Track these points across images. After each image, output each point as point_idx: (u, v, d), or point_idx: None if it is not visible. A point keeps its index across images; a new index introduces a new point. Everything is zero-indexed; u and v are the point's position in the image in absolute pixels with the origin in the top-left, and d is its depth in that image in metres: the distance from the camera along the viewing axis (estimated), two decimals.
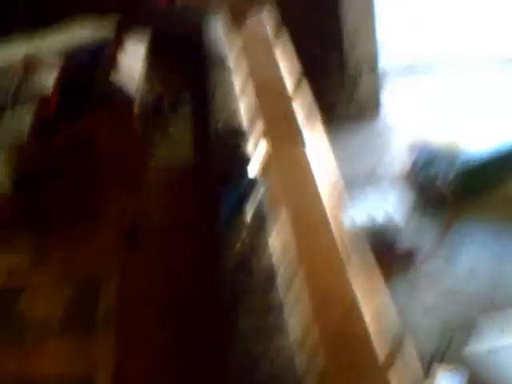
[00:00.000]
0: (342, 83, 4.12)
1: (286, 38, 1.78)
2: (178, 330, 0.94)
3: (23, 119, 1.43)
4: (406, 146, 3.71)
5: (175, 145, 1.44)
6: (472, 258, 2.97)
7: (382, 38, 4.12)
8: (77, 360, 0.94)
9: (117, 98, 1.42)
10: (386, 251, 3.06)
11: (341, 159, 3.65)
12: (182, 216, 1.19)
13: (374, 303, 0.93)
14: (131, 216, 1.23)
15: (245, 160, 1.06)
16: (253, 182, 1.01)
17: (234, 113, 1.22)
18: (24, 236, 1.21)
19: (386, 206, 3.16)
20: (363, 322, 0.89)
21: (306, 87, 1.50)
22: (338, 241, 1.04)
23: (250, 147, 1.11)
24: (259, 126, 1.26)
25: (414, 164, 3.59)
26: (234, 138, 1.11)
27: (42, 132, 1.43)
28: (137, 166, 1.37)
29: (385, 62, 4.24)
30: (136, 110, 1.43)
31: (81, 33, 1.64)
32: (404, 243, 3.11)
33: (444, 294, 2.83)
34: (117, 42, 1.58)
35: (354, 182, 3.62)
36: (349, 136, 4.04)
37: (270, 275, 0.79)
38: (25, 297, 1.06)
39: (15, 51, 1.61)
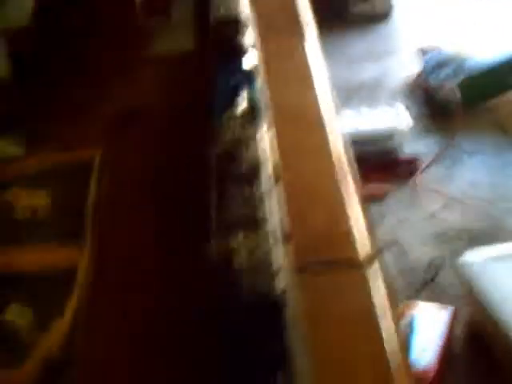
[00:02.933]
0: None
1: None
2: (163, 219, 0.93)
3: (25, 2, 1.40)
4: (414, 50, 3.68)
5: (177, 31, 1.41)
6: (473, 170, 2.98)
7: None
8: (62, 252, 0.93)
9: None
10: (391, 157, 3.07)
11: (349, 61, 3.63)
12: (179, 102, 1.18)
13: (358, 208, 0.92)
14: (127, 100, 1.22)
15: (241, 50, 1.03)
16: (247, 74, 0.98)
17: (235, 3, 1.19)
18: (18, 125, 1.19)
19: (392, 111, 3.15)
20: (347, 222, 0.88)
21: None
22: (330, 142, 1.02)
23: (247, 38, 1.07)
24: (258, 17, 1.24)
25: (423, 68, 3.57)
26: (232, 28, 1.08)
27: (44, 11, 1.40)
28: (136, 51, 1.35)
29: None
30: None
31: None
32: (409, 149, 3.11)
33: (446, 201, 2.85)
34: None
35: (361, 86, 3.60)
36: (359, 38, 4.00)
37: (256, 168, 0.77)
38: (13, 188, 1.05)
39: None
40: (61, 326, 0.80)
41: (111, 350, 0.80)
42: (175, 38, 1.38)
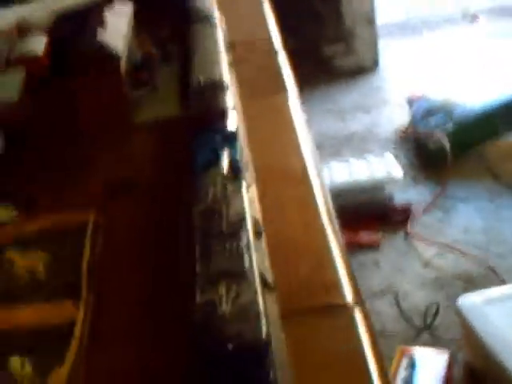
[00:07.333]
0: (339, 37, 4.15)
1: None
2: (153, 276, 0.98)
3: (15, 80, 1.46)
4: (403, 100, 3.73)
5: (162, 99, 1.47)
6: (466, 216, 3.02)
7: None
8: (59, 309, 0.98)
9: (103, 56, 1.45)
10: (384, 206, 3.11)
11: (338, 113, 3.72)
12: (166, 167, 1.23)
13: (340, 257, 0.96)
14: (117, 169, 1.27)
15: (222, 112, 1.09)
16: (229, 134, 1.03)
17: (216, 68, 1.24)
18: (13, 190, 1.24)
19: (383, 160, 3.20)
20: (330, 270, 0.92)
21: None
22: (312, 196, 1.07)
23: (228, 100, 1.13)
24: (238, 79, 1.30)
25: (412, 117, 3.62)
26: (213, 91, 1.13)
27: (33, 91, 1.46)
28: (123, 122, 1.41)
29: (382, 17, 4.27)
30: (122, 67, 1.45)
31: None
32: (401, 198, 3.16)
33: (440, 248, 2.89)
34: (104, 1, 1.60)
35: (351, 137, 3.66)
36: (346, 90, 4.07)
37: (238, 223, 0.82)
38: (9, 251, 1.09)
39: (8, 16, 1.64)
40: (60, 376, 0.85)
41: None
42: (161, 107, 1.44)
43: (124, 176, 1.24)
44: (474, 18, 4.56)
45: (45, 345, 0.91)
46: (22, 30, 1.59)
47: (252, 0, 1.80)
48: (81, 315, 0.93)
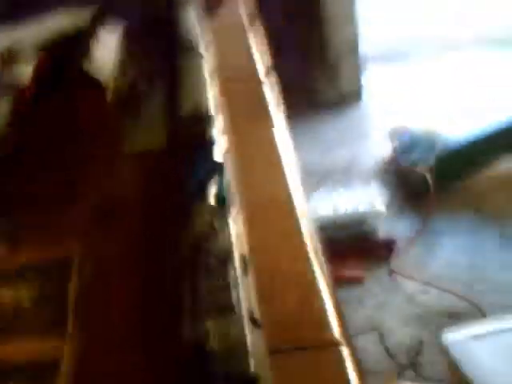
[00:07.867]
0: (323, 69, 4.16)
1: (261, 25, 1.81)
2: (142, 308, 0.97)
3: (1, 110, 1.45)
4: (386, 132, 3.74)
5: (148, 130, 1.46)
6: (449, 251, 3.01)
7: (362, 23, 4.15)
8: (46, 342, 0.96)
9: (89, 86, 1.44)
10: (367, 239, 3.10)
11: (321, 145, 3.71)
12: (154, 196, 1.22)
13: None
14: (104, 198, 1.26)
15: (210, 142, 1.08)
16: (216, 164, 1.03)
17: (202, 99, 1.24)
18: None
19: (366, 193, 3.20)
20: (317, 304, 0.91)
21: (274, 78, 1.54)
22: (300, 226, 1.07)
23: (216, 132, 1.12)
24: (226, 111, 1.29)
25: (395, 150, 3.62)
26: (200, 123, 1.13)
27: (18, 121, 1.45)
28: (109, 151, 1.40)
29: (364, 48, 4.28)
30: (109, 97, 1.45)
31: (58, 24, 1.66)
32: (384, 231, 3.15)
33: (424, 284, 2.88)
34: (91, 31, 1.60)
35: (334, 170, 3.66)
36: (329, 122, 4.08)
37: (226, 256, 0.81)
38: None
39: None
40: None
41: None
42: (147, 137, 1.43)
43: (108, 205, 1.22)
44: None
45: (31, 379, 0.89)
46: (8, 58, 1.58)
47: (238, 31, 1.80)
48: (67, 351, 0.91)
